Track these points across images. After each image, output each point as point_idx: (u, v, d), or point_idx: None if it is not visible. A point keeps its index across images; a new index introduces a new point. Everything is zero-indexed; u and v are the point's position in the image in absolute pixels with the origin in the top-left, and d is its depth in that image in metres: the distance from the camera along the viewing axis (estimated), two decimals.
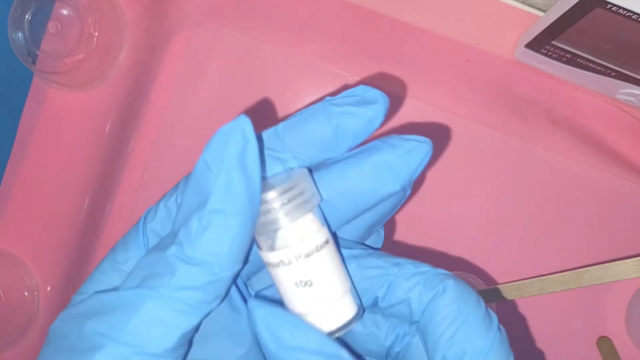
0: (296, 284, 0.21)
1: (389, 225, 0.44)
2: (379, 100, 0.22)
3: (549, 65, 0.40)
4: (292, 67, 0.44)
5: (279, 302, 0.22)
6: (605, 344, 0.43)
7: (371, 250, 0.24)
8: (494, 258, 0.44)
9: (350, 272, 0.23)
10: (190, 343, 0.21)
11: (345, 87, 0.44)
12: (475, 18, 0.41)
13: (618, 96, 0.41)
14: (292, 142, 0.22)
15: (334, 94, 0.44)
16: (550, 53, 0.39)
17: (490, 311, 0.22)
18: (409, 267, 0.23)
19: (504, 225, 0.44)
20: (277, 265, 0.21)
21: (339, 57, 0.44)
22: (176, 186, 0.23)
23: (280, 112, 0.44)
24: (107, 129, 0.43)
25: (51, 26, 0.40)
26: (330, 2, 0.42)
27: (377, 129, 0.23)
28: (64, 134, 0.43)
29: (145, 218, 0.23)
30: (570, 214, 0.44)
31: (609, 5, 0.31)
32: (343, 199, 0.22)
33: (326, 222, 0.22)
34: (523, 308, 0.44)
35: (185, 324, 0.20)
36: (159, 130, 0.45)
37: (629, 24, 0.32)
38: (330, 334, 0.21)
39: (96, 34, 0.40)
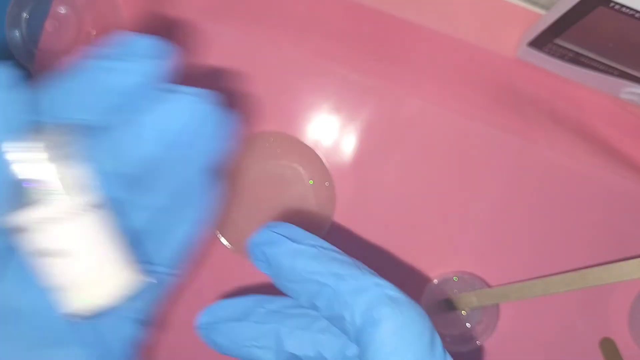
0: (47, 251, 0.18)
1: (388, 226, 0.44)
2: (151, 52, 0.19)
3: (551, 63, 0.40)
4: (292, 67, 0.44)
5: None
6: (608, 345, 0.43)
7: (315, 250, 0.21)
8: (496, 258, 0.44)
9: (289, 270, 0.21)
10: None
11: (344, 85, 0.44)
12: (478, 16, 0.41)
13: (621, 95, 0.41)
14: (50, 105, 0.19)
15: (335, 93, 0.44)
16: (553, 52, 0.39)
17: (437, 344, 0.20)
18: (350, 281, 0.20)
19: (506, 225, 0.44)
20: (20, 230, 0.18)
21: (338, 56, 0.44)
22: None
23: (280, 112, 0.44)
24: None
25: (49, 25, 0.39)
26: (330, 0, 0.42)
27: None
28: None
29: None
30: (573, 213, 0.44)
31: (612, 4, 0.31)
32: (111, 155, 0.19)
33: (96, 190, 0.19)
34: (526, 309, 0.44)
35: None
36: None
37: (632, 22, 0.32)
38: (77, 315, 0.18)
39: (94, 32, 0.39)
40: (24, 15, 0.39)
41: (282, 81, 0.44)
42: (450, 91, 0.44)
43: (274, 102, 0.44)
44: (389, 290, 0.20)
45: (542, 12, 0.41)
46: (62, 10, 0.39)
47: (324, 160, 0.44)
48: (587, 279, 0.36)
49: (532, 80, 0.42)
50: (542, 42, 0.38)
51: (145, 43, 0.19)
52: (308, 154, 0.44)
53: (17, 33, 0.39)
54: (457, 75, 0.43)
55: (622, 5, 0.31)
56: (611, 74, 0.38)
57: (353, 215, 0.44)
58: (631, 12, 0.31)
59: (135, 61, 0.19)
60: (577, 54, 0.38)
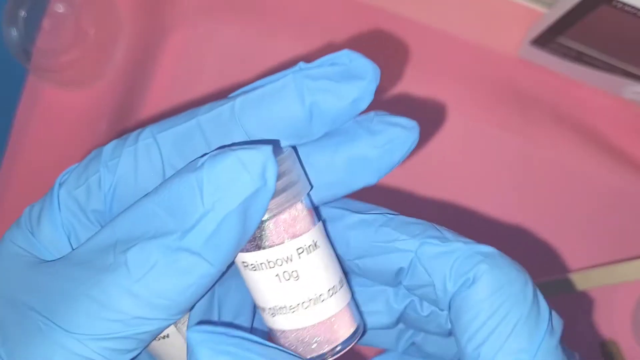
0: (278, 277, 0.18)
1: None
2: (368, 75, 0.17)
3: (554, 62, 0.40)
4: (291, 64, 0.44)
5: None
6: (611, 348, 0.43)
7: (384, 217, 0.20)
8: None
9: (359, 243, 0.19)
10: None
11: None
12: (480, 15, 0.41)
13: (624, 94, 0.41)
14: (253, 124, 0.18)
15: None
16: (555, 50, 0.39)
17: (542, 304, 0.18)
18: (433, 242, 0.18)
19: (507, 225, 0.44)
20: (261, 266, 0.17)
21: None
22: (99, 154, 0.18)
23: None
24: (103, 127, 0.43)
25: (46, 23, 0.39)
26: None
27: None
28: (59, 132, 0.42)
29: (61, 185, 0.18)
30: (576, 213, 0.44)
31: (615, 2, 0.31)
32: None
33: (314, 208, 0.19)
34: None
35: None
36: None
37: (636, 20, 0.32)
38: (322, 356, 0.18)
39: (92, 31, 0.39)
40: (22, 13, 0.39)
41: None
42: (451, 90, 0.44)
43: None
44: (481, 247, 0.18)
45: (544, 10, 0.40)
46: (60, 8, 0.39)
47: None
48: (590, 280, 0.36)
49: (534, 79, 0.42)
50: (545, 40, 0.38)
51: (360, 63, 0.18)
52: None
53: (14, 31, 0.39)
54: (458, 73, 0.43)
55: (625, 4, 0.31)
56: (614, 72, 0.38)
57: None
58: (634, 11, 0.31)
59: (350, 82, 0.18)
60: (580, 52, 0.38)
